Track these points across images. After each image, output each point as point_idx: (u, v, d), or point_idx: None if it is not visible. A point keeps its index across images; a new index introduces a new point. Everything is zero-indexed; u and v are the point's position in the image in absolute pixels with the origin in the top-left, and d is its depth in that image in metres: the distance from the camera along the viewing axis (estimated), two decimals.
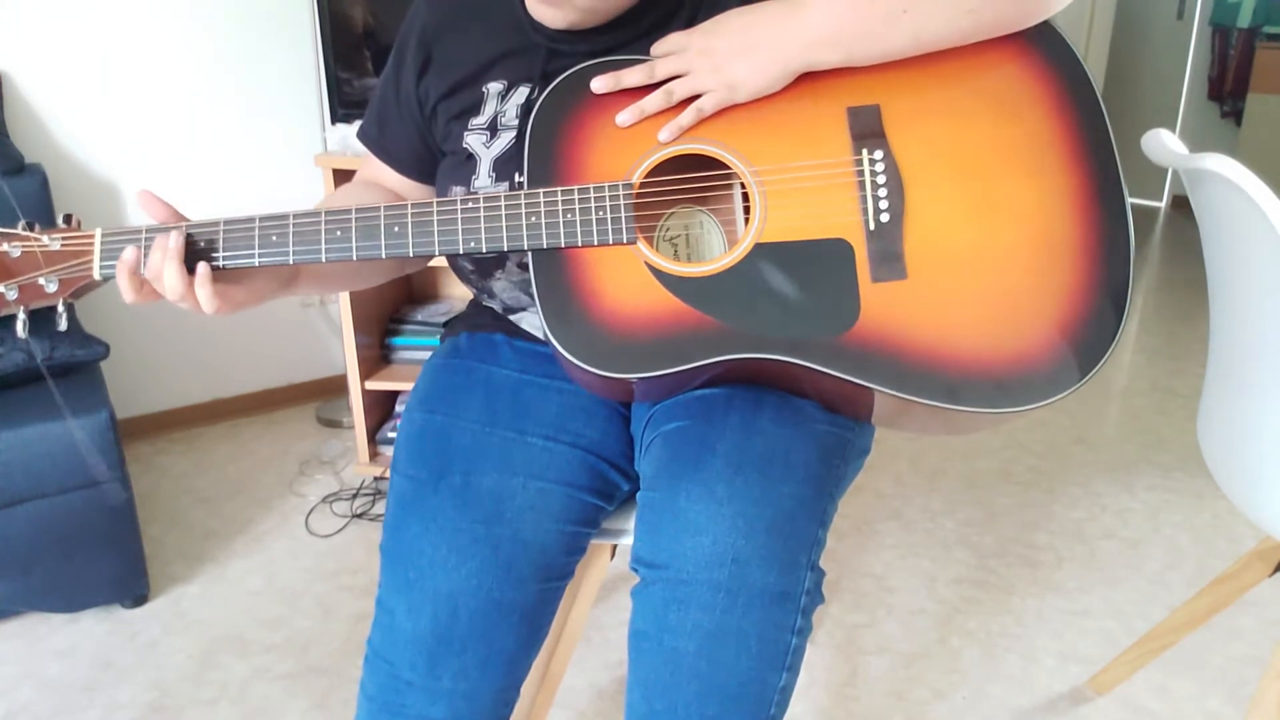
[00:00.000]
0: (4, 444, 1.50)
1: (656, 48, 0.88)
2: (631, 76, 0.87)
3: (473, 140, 0.95)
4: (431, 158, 1.02)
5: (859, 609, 1.71)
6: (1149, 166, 1.07)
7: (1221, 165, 0.93)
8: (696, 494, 0.82)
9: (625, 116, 0.87)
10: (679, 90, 0.86)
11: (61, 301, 0.82)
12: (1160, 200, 5.12)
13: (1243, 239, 0.97)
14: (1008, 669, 1.55)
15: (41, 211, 1.93)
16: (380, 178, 1.06)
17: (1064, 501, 2.08)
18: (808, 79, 0.87)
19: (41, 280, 0.81)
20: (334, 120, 2.11)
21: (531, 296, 0.96)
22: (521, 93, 0.94)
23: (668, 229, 0.93)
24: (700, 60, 0.85)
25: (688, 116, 0.86)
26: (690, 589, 0.82)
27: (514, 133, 0.93)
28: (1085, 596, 1.74)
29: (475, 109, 0.96)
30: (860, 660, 1.57)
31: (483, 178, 0.94)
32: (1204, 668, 1.54)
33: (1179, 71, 4.97)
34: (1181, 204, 4.98)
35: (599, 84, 0.87)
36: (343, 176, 1.96)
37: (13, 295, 0.80)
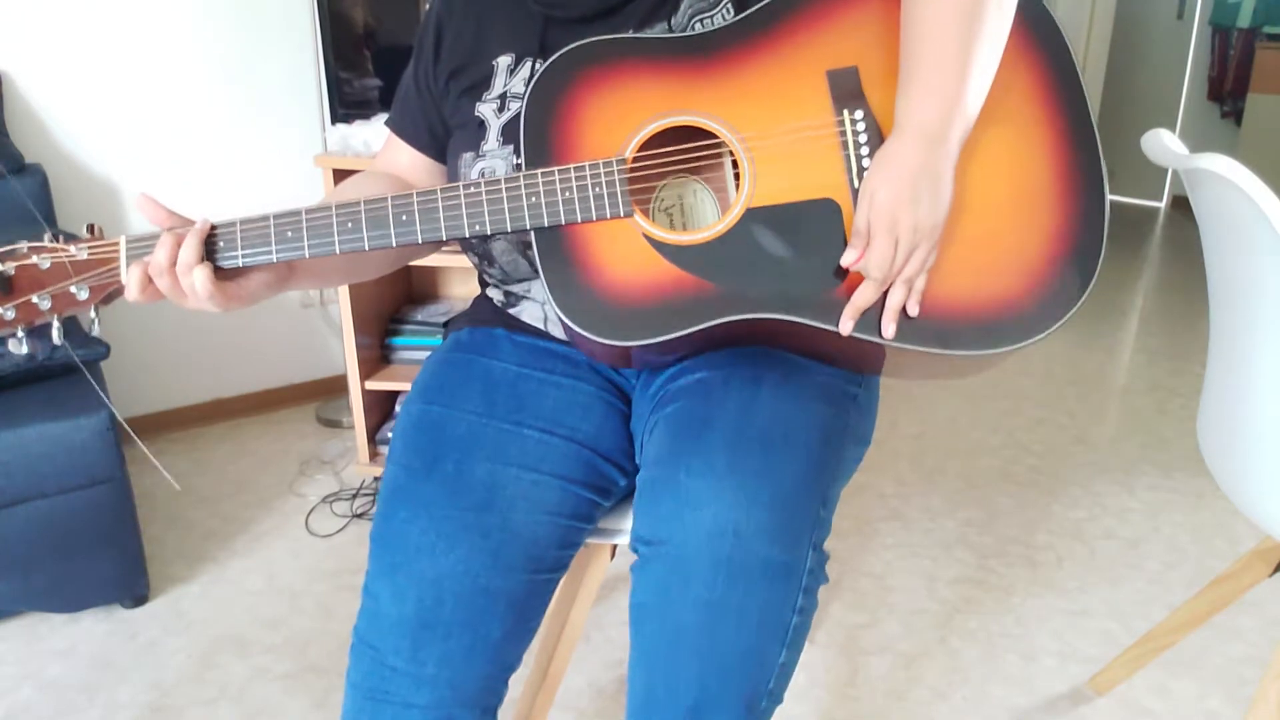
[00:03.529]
0: (4, 444, 1.50)
1: (873, 261, 0.84)
2: (869, 294, 0.85)
3: (484, 110, 0.98)
4: (447, 135, 1.05)
5: (859, 609, 1.71)
6: (1149, 166, 1.08)
7: (1221, 165, 0.93)
8: (697, 468, 0.83)
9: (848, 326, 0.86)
10: (921, 278, 0.85)
11: (94, 308, 0.84)
12: (1160, 200, 5.12)
13: (1243, 239, 0.97)
14: (1008, 669, 1.55)
15: (42, 212, 1.93)
16: (394, 161, 1.08)
17: (1064, 501, 2.08)
18: (788, 47, 0.89)
19: (73, 289, 0.83)
20: (334, 120, 2.10)
21: (529, 261, 0.97)
22: (528, 65, 0.97)
23: (662, 199, 0.95)
24: (913, 237, 0.84)
25: (911, 296, 0.86)
26: (692, 563, 0.82)
27: (520, 102, 0.95)
28: (1085, 596, 1.74)
29: (486, 83, 0.98)
30: (860, 660, 1.57)
31: (490, 141, 0.97)
32: (1204, 668, 1.54)
33: (1179, 71, 4.97)
34: (1181, 204, 4.97)
35: (847, 326, 0.86)
36: (343, 176, 1.96)
37: (46, 305, 0.83)
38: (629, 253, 0.87)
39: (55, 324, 0.83)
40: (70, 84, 2.12)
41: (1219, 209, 1.01)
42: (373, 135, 1.96)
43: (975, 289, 0.86)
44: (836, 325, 0.85)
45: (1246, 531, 1.95)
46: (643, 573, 0.86)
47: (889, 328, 0.86)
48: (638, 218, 0.87)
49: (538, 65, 0.95)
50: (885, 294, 0.86)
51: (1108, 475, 2.20)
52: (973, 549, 1.90)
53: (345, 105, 2.11)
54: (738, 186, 0.89)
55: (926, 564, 1.84)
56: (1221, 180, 0.94)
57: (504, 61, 0.98)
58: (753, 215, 0.87)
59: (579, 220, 0.87)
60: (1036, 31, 0.90)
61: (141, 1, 2.15)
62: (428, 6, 1.06)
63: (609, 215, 0.86)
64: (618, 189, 0.86)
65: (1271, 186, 0.92)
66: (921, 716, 1.45)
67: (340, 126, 2.04)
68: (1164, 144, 1.05)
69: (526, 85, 0.95)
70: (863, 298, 0.85)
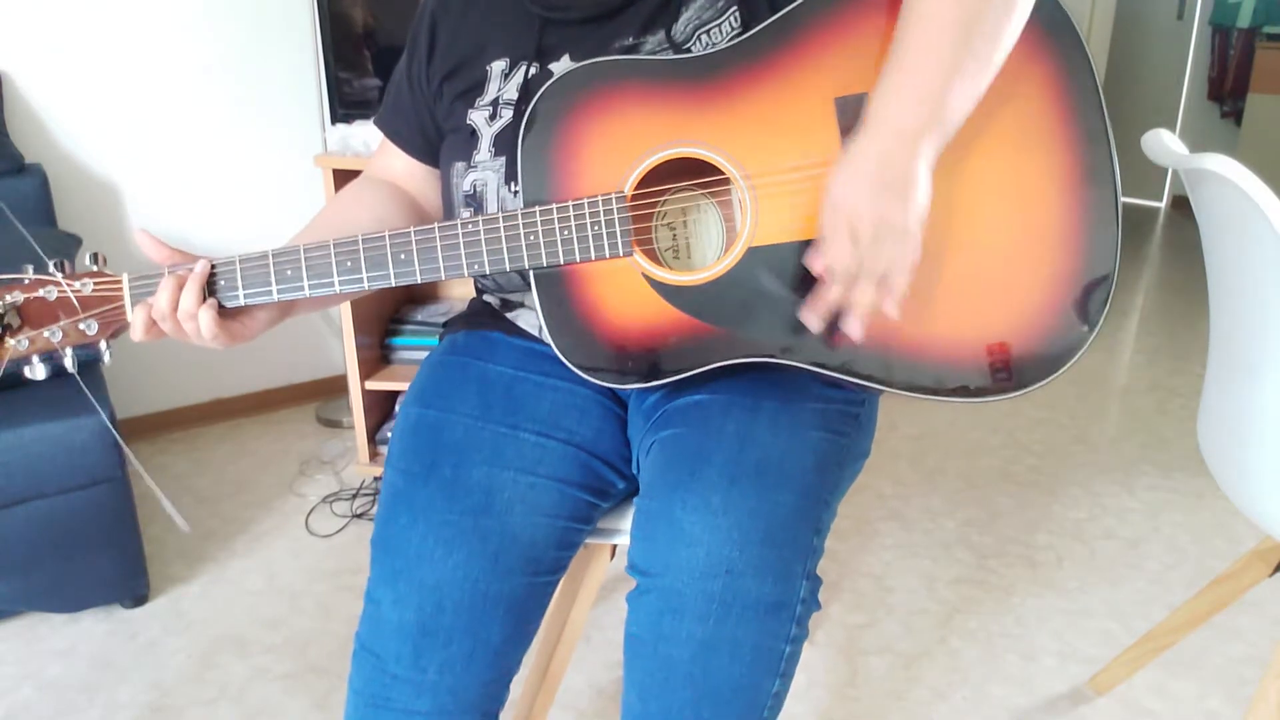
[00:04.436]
0: (4, 444, 1.50)
1: (830, 261, 0.81)
2: (834, 294, 0.82)
3: (476, 117, 0.96)
4: (440, 139, 1.04)
5: (859, 609, 1.71)
6: (1149, 166, 1.08)
7: (1221, 165, 0.93)
8: (692, 504, 0.83)
9: (815, 322, 0.83)
10: (898, 277, 0.80)
11: (104, 341, 0.86)
12: (1160, 200, 5.11)
13: (1243, 239, 0.97)
14: (1008, 669, 1.55)
15: (42, 211, 1.93)
16: (390, 167, 1.08)
17: (1064, 501, 2.08)
18: (795, 70, 0.86)
19: (82, 325, 0.85)
20: (334, 120, 2.10)
21: (525, 279, 0.96)
22: (521, 69, 0.95)
23: (664, 215, 0.93)
24: (874, 230, 0.79)
25: (889, 297, 0.82)
26: (685, 599, 0.82)
27: (513, 110, 0.94)
28: (1085, 596, 1.74)
29: (480, 88, 0.97)
30: (860, 661, 1.57)
31: (483, 153, 0.95)
32: (1204, 668, 1.54)
33: (1179, 71, 4.97)
34: (1181, 204, 4.97)
35: (812, 322, 0.83)
36: (342, 176, 1.96)
37: (57, 338, 0.85)
38: (628, 292, 0.86)
39: (68, 354, 0.86)
40: (70, 84, 2.12)
41: (1219, 209, 1.01)
42: (373, 135, 1.96)
43: (977, 333, 0.84)
44: (831, 370, 0.84)
45: (1246, 531, 1.95)
46: (637, 604, 0.86)
47: (854, 327, 0.82)
48: (638, 257, 0.86)
49: (532, 70, 0.94)
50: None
51: (1108, 475, 2.20)
52: (973, 549, 1.89)
53: (345, 105, 2.11)
54: (742, 218, 0.87)
55: (926, 564, 1.84)
56: (1221, 180, 0.94)
57: (498, 66, 0.96)
58: (754, 255, 0.85)
59: (578, 260, 0.86)
60: (1057, 46, 0.85)
61: (141, 1, 2.15)
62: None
63: (608, 255, 0.85)
64: (617, 228, 0.85)
65: (1271, 186, 0.92)
66: (921, 716, 1.45)
67: (340, 126, 2.04)
68: (1164, 144, 1.05)
69: (520, 92, 0.93)
70: (831, 295, 0.82)
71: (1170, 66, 4.99)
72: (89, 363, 1.70)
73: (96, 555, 1.61)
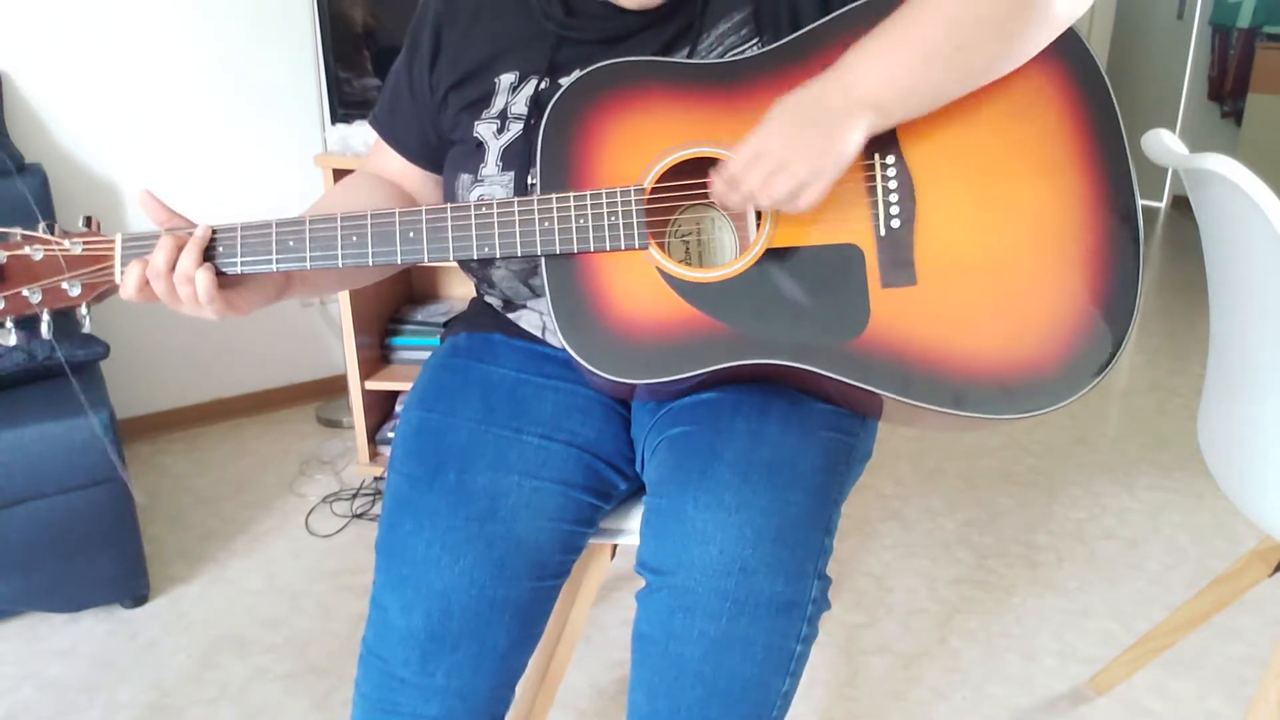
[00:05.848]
0: (4, 444, 1.50)
1: (726, 166, 0.82)
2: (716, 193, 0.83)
3: (483, 130, 0.95)
4: (440, 146, 1.02)
5: (859, 609, 1.71)
6: (1149, 166, 1.08)
7: (1221, 165, 0.93)
8: (704, 502, 0.82)
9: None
10: (777, 204, 0.81)
11: (85, 305, 0.83)
12: (1160, 200, 5.11)
13: (1243, 239, 0.97)
14: (1008, 669, 1.55)
15: (42, 211, 1.93)
16: (387, 167, 1.07)
17: (1064, 501, 2.08)
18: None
19: (64, 285, 0.81)
20: (334, 120, 2.11)
21: (531, 288, 0.95)
22: (532, 84, 0.94)
23: (679, 227, 0.93)
24: (780, 154, 0.79)
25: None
26: (697, 597, 0.82)
27: (522, 124, 0.93)
28: (1085, 596, 1.74)
29: (487, 100, 0.96)
30: (860, 660, 1.57)
31: (490, 166, 0.94)
32: (1204, 668, 1.54)
33: (1179, 71, 4.96)
34: (1181, 204, 4.97)
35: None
36: (342, 176, 1.96)
37: (36, 298, 0.81)
38: (641, 287, 0.85)
39: (45, 318, 0.82)
40: (70, 84, 2.12)
41: (1219, 209, 1.01)
42: (373, 135, 1.95)
43: (997, 351, 0.83)
44: (848, 377, 0.82)
45: (1246, 531, 1.95)
46: (647, 602, 0.86)
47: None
48: (653, 251, 0.85)
49: (543, 85, 0.93)
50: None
51: (1108, 475, 2.20)
52: (973, 549, 1.89)
53: (345, 105, 2.11)
54: (759, 223, 0.86)
55: (926, 564, 1.84)
56: (1222, 180, 0.94)
57: (507, 79, 0.95)
58: (771, 256, 0.84)
59: (591, 249, 0.85)
60: (1077, 76, 0.87)
61: (141, 1, 2.15)
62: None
63: (623, 246, 0.84)
64: (634, 220, 0.84)
65: (1271, 186, 0.92)
66: (921, 716, 1.45)
67: (340, 126, 2.04)
68: (1164, 144, 1.05)
69: (529, 104, 0.93)
70: (715, 197, 0.82)
71: (1170, 66, 4.99)
72: (88, 363, 1.70)
73: (96, 555, 1.61)
